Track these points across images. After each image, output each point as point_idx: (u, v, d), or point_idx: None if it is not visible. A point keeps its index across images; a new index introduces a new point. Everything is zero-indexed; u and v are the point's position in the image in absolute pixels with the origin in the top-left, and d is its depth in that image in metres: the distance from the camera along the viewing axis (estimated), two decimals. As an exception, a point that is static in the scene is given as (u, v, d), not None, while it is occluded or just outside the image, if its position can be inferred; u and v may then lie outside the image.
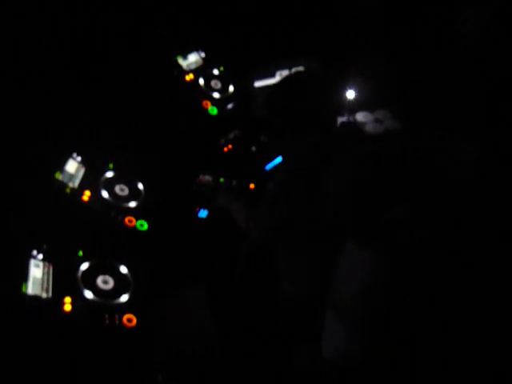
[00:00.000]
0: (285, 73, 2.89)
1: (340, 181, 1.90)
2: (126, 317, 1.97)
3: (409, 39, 3.19)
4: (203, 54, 2.87)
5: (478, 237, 2.32)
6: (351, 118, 3.05)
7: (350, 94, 3.01)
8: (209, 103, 2.74)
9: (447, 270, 2.08)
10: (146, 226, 2.27)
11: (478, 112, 2.79)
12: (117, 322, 1.95)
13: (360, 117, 3.06)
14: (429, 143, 2.58)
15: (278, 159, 2.59)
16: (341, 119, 2.88)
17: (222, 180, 2.56)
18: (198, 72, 2.80)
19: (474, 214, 2.36)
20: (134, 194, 2.35)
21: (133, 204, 2.31)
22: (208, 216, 2.45)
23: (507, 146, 2.64)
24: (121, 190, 2.32)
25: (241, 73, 2.84)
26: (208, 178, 2.56)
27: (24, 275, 1.90)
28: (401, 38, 3.17)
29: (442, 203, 2.11)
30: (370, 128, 3.02)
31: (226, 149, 2.71)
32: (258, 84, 2.81)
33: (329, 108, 2.05)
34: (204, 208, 2.46)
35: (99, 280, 2.03)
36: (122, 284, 2.05)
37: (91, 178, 2.28)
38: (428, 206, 1.95)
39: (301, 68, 2.80)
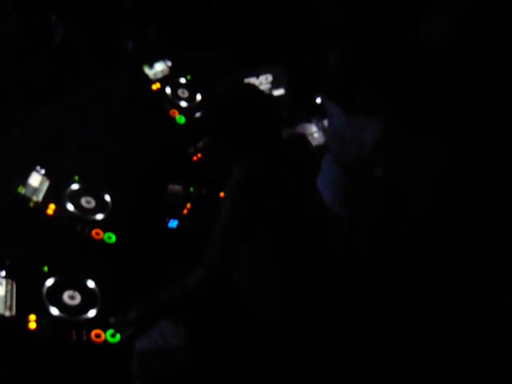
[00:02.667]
0: (252, 80, 2.88)
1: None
2: (94, 332, 1.91)
3: (376, 44, 3.21)
4: (169, 63, 2.84)
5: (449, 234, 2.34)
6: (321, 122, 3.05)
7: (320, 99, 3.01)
8: (176, 112, 2.71)
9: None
10: (113, 239, 2.22)
11: (444, 113, 2.82)
12: (84, 338, 1.89)
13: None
14: (403, 143, 2.59)
15: None
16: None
17: (192, 189, 2.53)
18: (164, 81, 2.77)
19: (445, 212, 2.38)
20: (101, 206, 2.29)
21: (100, 216, 2.25)
22: (178, 226, 2.41)
23: (474, 145, 2.67)
24: (87, 202, 2.27)
25: (208, 81, 2.81)
26: (178, 187, 2.53)
27: (-15, 293, 1.83)
28: (368, 43, 3.19)
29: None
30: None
31: (195, 158, 2.67)
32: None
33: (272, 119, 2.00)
34: (174, 218, 2.43)
35: (65, 296, 1.97)
36: (89, 299, 1.99)
37: (56, 191, 2.22)
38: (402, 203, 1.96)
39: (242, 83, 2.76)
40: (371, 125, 2.25)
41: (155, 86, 2.74)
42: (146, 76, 2.76)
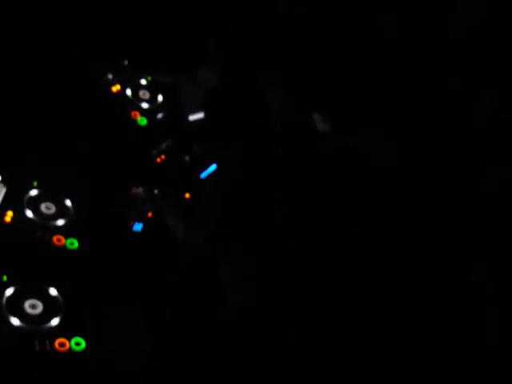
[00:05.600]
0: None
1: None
2: (57, 341, 1.85)
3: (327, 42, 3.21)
4: (128, 63, 2.79)
5: (401, 222, 2.36)
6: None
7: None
8: (137, 114, 2.66)
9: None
10: (76, 245, 2.16)
11: (391, 104, 2.84)
12: (48, 347, 1.83)
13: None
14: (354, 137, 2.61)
15: (213, 167, 2.54)
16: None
17: (156, 191, 2.49)
18: (124, 82, 2.72)
19: (398, 200, 2.40)
20: (62, 211, 2.23)
21: (61, 222, 2.19)
22: (143, 229, 2.37)
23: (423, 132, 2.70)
24: (47, 208, 2.20)
25: (169, 81, 2.77)
26: (141, 190, 2.48)
27: None
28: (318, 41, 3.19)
29: (366, 190, 2.12)
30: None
31: (158, 159, 2.63)
32: (192, 118, 2.74)
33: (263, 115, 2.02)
34: (138, 221, 2.38)
35: (26, 305, 1.90)
36: (51, 307, 1.93)
37: (14, 198, 2.15)
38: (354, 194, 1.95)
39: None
40: None
41: (115, 88, 2.69)
42: (106, 77, 2.71)
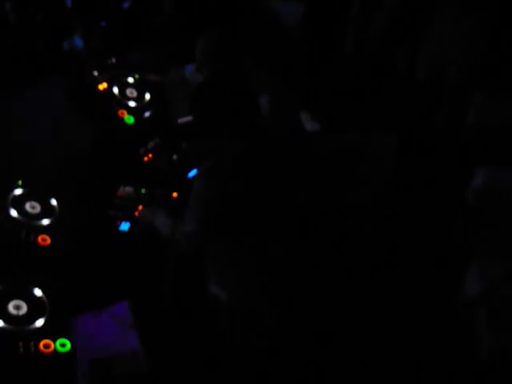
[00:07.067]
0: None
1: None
2: (42, 343, 1.82)
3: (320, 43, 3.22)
4: (115, 61, 2.76)
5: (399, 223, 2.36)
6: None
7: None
8: (125, 112, 2.63)
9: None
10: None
11: (388, 107, 2.85)
12: (32, 349, 1.79)
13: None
14: (350, 139, 2.60)
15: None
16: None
17: (143, 191, 2.46)
18: (111, 80, 2.69)
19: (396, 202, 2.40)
20: (47, 210, 2.19)
21: (46, 222, 2.16)
22: (130, 229, 2.34)
23: (421, 137, 2.71)
24: (32, 207, 2.17)
25: (156, 79, 2.75)
26: (129, 189, 2.45)
27: None
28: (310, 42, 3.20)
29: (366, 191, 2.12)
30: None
31: (146, 158, 2.60)
32: (181, 120, 2.71)
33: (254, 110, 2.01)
34: (126, 221, 2.35)
35: (11, 306, 1.87)
36: (36, 308, 1.89)
37: (-2, 197, 2.12)
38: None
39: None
40: None
41: (102, 86, 2.66)
42: (93, 75, 2.67)
